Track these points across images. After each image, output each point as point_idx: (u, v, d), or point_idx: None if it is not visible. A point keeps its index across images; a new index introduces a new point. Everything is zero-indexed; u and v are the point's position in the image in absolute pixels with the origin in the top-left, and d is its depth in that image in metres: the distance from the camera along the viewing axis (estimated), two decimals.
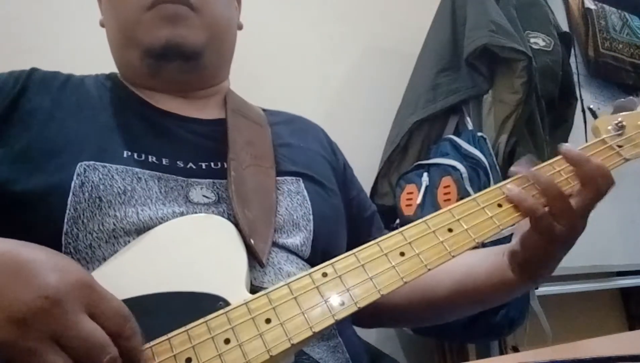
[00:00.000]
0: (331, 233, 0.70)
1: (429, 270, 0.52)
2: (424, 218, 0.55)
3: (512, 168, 0.61)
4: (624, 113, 0.68)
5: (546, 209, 0.58)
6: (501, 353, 1.43)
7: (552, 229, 0.58)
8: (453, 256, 0.53)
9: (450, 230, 0.55)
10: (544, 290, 1.54)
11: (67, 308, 0.37)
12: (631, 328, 2.06)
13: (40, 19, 1.25)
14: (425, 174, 1.35)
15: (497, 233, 0.56)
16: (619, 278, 1.94)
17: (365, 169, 1.47)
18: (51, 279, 0.38)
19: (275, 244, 0.62)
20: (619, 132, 0.66)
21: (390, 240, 0.54)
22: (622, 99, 0.70)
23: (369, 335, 1.32)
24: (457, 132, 1.46)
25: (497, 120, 1.43)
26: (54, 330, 0.36)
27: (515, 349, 1.46)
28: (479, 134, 1.39)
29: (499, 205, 0.57)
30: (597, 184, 0.59)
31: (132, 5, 0.67)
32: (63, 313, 0.37)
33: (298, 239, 0.64)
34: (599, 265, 1.79)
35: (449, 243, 0.54)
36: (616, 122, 0.66)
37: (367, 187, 1.45)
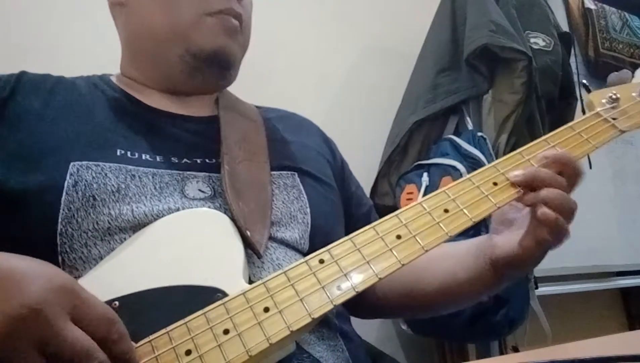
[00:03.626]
0: (329, 227, 0.70)
1: (426, 251, 0.51)
2: (419, 200, 0.55)
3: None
4: (617, 86, 0.67)
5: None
6: (501, 353, 1.43)
7: (564, 228, 0.56)
8: (450, 236, 0.52)
9: (446, 211, 0.54)
10: (544, 290, 1.54)
11: (50, 316, 0.36)
12: (631, 328, 2.06)
13: (40, 19, 1.25)
14: (425, 174, 1.35)
15: (494, 211, 0.55)
16: (619, 278, 1.94)
17: (365, 169, 1.47)
18: (32, 287, 0.37)
19: (273, 238, 0.62)
20: (613, 104, 0.65)
21: (386, 224, 0.53)
22: (616, 72, 0.69)
23: (369, 335, 1.33)
24: (457, 133, 1.46)
25: (497, 120, 1.43)
26: (38, 339, 0.36)
27: (515, 349, 1.46)
28: (479, 134, 1.39)
29: (495, 183, 0.56)
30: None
31: (193, 6, 0.68)
32: (46, 322, 0.36)
33: (296, 232, 0.65)
34: (599, 265, 1.79)
35: (445, 223, 0.53)
36: (610, 95, 0.65)
37: (367, 187, 1.45)
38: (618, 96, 0.65)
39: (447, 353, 1.53)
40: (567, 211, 0.56)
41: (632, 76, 0.69)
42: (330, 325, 0.63)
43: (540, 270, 1.42)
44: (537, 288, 1.39)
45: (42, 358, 0.36)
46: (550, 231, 0.56)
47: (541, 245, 0.57)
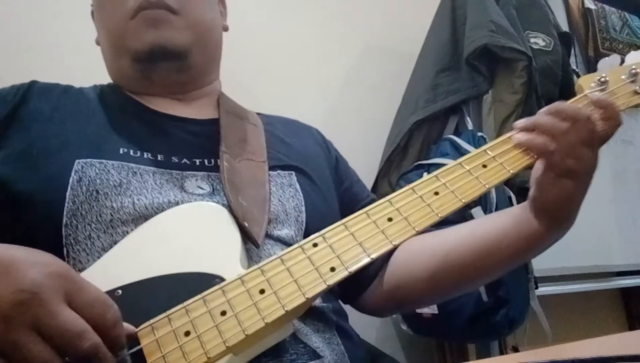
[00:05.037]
0: (323, 226, 0.70)
1: (417, 231, 0.53)
2: (409, 185, 0.57)
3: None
4: (607, 69, 0.70)
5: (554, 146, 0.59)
6: (501, 353, 1.43)
7: (565, 163, 0.59)
8: (440, 217, 0.55)
9: (436, 193, 0.57)
10: (544, 290, 1.54)
11: (45, 299, 0.38)
12: (631, 328, 2.06)
13: (40, 19, 1.25)
14: (425, 174, 1.35)
15: (483, 191, 0.58)
16: (619, 278, 1.94)
17: (365, 169, 1.47)
18: (28, 273, 0.39)
19: (269, 236, 0.63)
20: (602, 87, 0.67)
21: (378, 208, 0.56)
22: (606, 57, 0.71)
23: (369, 335, 1.33)
24: (457, 133, 1.46)
25: (497, 120, 1.43)
26: (33, 320, 0.37)
27: (515, 349, 1.46)
28: (479, 134, 1.39)
29: (484, 166, 0.60)
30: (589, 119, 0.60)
31: (118, 17, 0.71)
32: (41, 304, 0.37)
33: (292, 230, 0.66)
34: (599, 265, 1.79)
35: (436, 205, 0.55)
36: (599, 78, 0.68)
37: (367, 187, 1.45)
38: (607, 78, 0.68)
39: (447, 353, 1.53)
40: (554, 131, 0.59)
41: (622, 61, 0.71)
42: (327, 320, 0.64)
43: (540, 270, 1.42)
44: (537, 288, 1.39)
45: (40, 340, 0.37)
46: (540, 155, 0.60)
47: (546, 175, 0.60)
